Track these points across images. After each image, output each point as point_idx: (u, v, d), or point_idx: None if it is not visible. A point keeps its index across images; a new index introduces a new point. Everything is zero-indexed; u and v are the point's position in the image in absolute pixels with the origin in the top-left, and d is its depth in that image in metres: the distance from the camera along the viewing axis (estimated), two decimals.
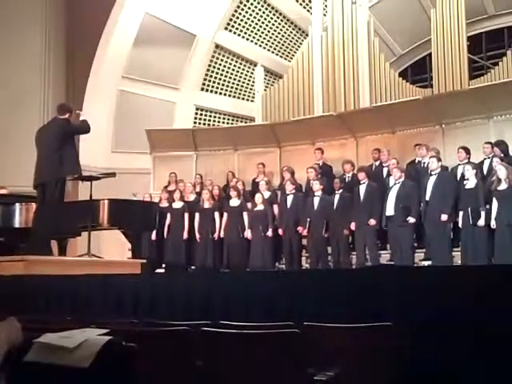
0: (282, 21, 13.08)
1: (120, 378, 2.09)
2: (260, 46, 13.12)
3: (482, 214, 7.58)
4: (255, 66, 12.76)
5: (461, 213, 7.80)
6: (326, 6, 11.63)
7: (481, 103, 9.31)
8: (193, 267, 9.86)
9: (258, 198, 9.46)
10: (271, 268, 9.11)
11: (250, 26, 12.95)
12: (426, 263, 8.02)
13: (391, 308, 2.78)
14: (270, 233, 9.29)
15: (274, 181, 10.72)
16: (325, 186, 9.15)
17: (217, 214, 9.73)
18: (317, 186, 9.09)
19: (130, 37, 11.95)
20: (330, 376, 2.28)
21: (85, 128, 6.74)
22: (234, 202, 9.68)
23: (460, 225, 7.85)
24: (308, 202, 9.15)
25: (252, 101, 12.71)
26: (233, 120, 13.22)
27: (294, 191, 9.42)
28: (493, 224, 7.47)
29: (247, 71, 13.16)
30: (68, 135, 6.47)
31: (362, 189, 8.79)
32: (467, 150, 8.43)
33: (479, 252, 7.55)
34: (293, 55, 13.16)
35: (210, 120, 13.21)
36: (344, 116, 10.74)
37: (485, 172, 8.21)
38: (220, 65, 13.08)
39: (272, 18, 13.02)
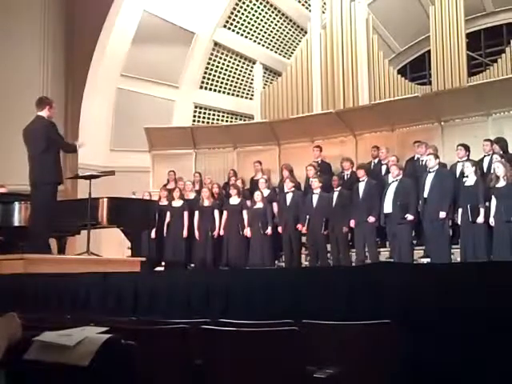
0: (280, 18, 13.07)
1: (119, 376, 2.09)
2: (259, 43, 13.11)
3: (482, 211, 7.57)
4: (254, 63, 12.76)
5: (460, 210, 7.80)
6: (324, 3, 11.64)
7: (480, 100, 9.31)
8: (192, 265, 9.87)
9: (256, 195, 9.47)
10: (271, 266, 9.11)
11: (249, 23, 12.93)
12: (425, 260, 8.03)
13: (391, 306, 2.78)
14: (269, 231, 9.29)
15: (273, 179, 10.72)
16: (324, 184, 9.15)
17: (216, 212, 9.73)
18: (316, 184, 9.10)
19: (128, 35, 11.93)
20: (330, 374, 2.28)
21: (69, 149, 7.07)
22: (234, 200, 9.68)
23: (459, 222, 7.85)
24: (307, 200, 9.15)
25: (251, 99, 12.71)
26: (232, 118, 13.21)
27: (293, 189, 9.42)
28: (491, 221, 7.48)
29: (246, 69, 13.14)
30: (50, 141, 6.37)
31: (361, 186, 8.80)
32: (467, 148, 8.43)
33: (478, 249, 7.55)
34: (292, 53, 13.15)
35: (208, 118, 13.20)
36: (343, 113, 10.74)
37: (485, 169, 8.20)
38: (219, 63, 13.06)
39: (271, 16, 13.01)
